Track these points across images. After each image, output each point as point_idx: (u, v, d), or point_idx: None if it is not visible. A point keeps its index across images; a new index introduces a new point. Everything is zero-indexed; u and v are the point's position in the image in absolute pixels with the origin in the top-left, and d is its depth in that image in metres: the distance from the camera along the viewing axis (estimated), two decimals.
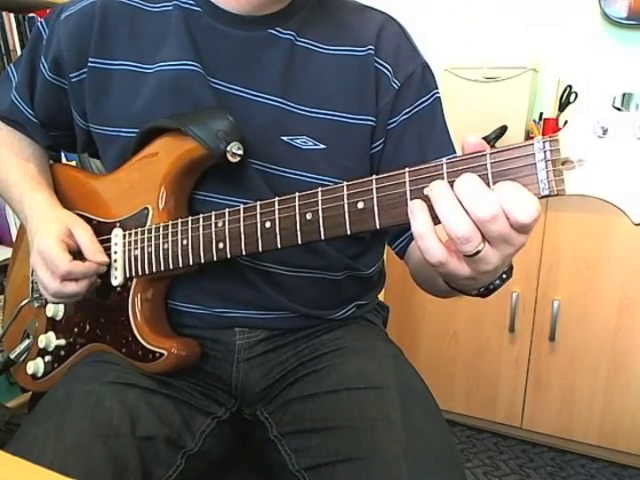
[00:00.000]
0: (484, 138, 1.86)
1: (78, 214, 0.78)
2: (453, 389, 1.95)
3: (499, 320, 1.84)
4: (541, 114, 2.03)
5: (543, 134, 1.95)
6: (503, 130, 1.90)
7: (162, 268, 0.70)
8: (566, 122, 1.98)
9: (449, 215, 0.47)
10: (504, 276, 0.59)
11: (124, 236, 0.75)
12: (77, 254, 0.72)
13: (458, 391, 1.95)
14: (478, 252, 0.48)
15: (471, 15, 2.17)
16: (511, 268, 0.60)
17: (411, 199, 0.51)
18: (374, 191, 0.54)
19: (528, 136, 1.98)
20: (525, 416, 1.86)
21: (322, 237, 0.58)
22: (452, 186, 0.48)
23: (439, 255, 0.49)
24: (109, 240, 0.75)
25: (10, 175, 0.83)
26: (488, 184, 0.48)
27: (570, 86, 2.00)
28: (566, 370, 1.78)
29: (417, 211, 0.49)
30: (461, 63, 2.01)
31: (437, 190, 0.49)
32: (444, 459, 0.63)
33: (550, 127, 1.96)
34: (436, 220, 0.49)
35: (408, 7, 2.18)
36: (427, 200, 0.50)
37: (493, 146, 1.87)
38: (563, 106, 2.00)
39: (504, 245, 0.49)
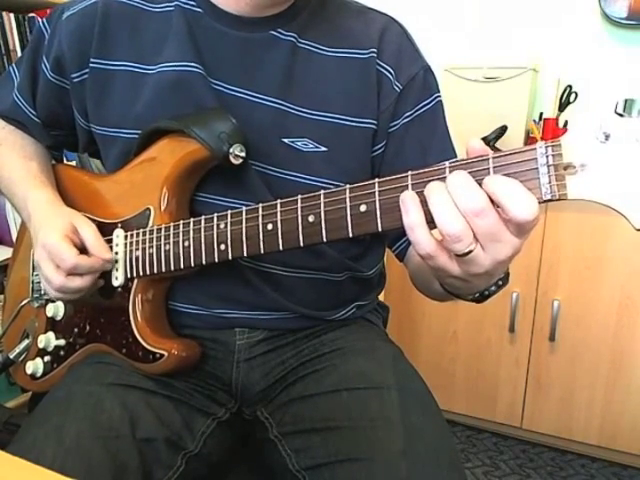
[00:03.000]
0: (484, 138, 1.86)
1: None
2: (453, 389, 1.96)
3: (499, 320, 1.84)
4: (541, 114, 2.03)
5: (543, 134, 1.95)
6: (503, 130, 1.90)
7: (163, 269, 0.70)
8: (566, 122, 1.98)
9: (442, 212, 0.48)
10: (500, 282, 0.59)
11: (125, 237, 0.75)
12: (81, 251, 0.72)
13: (458, 391, 1.95)
14: (469, 252, 0.49)
15: (471, 15, 2.17)
16: (507, 275, 0.60)
17: None
18: (377, 194, 0.54)
19: (528, 136, 1.98)
20: (525, 416, 1.86)
21: (324, 239, 0.58)
22: None
23: (428, 247, 0.50)
24: (111, 241, 0.75)
25: (13, 173, 0.83)
26: None
27: (570, 86, 2.00)
28: (566, 370, 1.78)
29: (409, 203, 0.50)
30: (461, 63, 2.00)
31: (432, 189, 0.49)
32: (444, 459, 0.63)
33: (550, 127, 1.96)
34: (432, 225, 0.49)
35: (408, 7, 2.18)
36: (426, 212, 0.50)
37: (493, 146, 1.87)
38: (563, 106, 2.00)
39: (494, 245, 0.49)
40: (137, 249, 0.73)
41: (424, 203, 0.50)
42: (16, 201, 0.83)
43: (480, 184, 0.48)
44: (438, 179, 0.50)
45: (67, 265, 0.70)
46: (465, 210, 0.47)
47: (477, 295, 0.61)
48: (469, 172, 0.49)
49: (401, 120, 0.77)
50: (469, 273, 0.51)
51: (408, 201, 0.50)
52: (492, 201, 0.47)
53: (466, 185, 0.48)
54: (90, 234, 0.73)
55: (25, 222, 0.82)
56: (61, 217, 0.75)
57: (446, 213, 0.48)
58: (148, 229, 0.72)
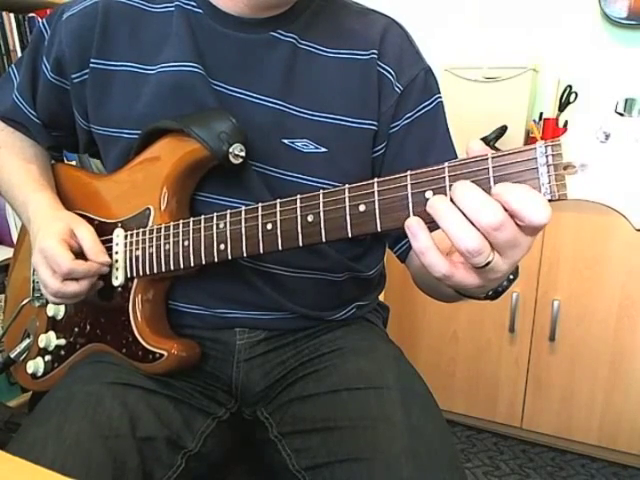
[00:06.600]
0: (484, 138, 1.86)
1: (79, 214, 0.78)
2: (453, 389, 1.96)
3: (499, 320, 1.84)
4: (541, 114, 2.03)
5: (543, 134, 1.95)
6: (503, 130, 1.90)
7: (163, 269, 0.70)
8: (566, 122, 1.98)
9: (457, 230, 0.47)
10: (511, 277, 0.59)
11: (125, 236, 0.75)
12: (79, 254, 0.72)
13: (458, 391, 1.95)
14: (489, 263, 0.48)
15: (471, 15, 2.17)
16: (517, 268, 0.60)
17: (413, 202, 0.51)
18: (376, 194, 0.54)
19: (528, 136, 1.98)
20: (525, 416, 1.86)
21: (323, 239, 0.58)
22: (451, 194, 0.48)
23: (443, 269, 0.49)
24: (110, 240, 0.75)
25: (12, 176, 0.83)
26: (490, 188, 0.47)
27: (570, 86, 2.00)
28: (566, 370, 1.78)
29: (415, 229, 0.49)
30: (461, 63, 2.01)
31: (438, 206, 0.48)
32: (444, 459, 0.63)
33: (550, 127, 1.96)
34: (432, 226, 0.49)
35: (408, 7, 2.18)
36: (425, 213, 0.49)
37: (493, 146, 1.87)
38: (563, 106, 2.00)
39: (512, 251, 0.48)
40: (137, 249, 0.73)
41: (423, 204, 0.50)
42: (16, 205, 0.83)
43: (482, 187, 0.47)
44: (438, 179, 0.50)
45: (62, 270, 0.69)
46: (483, 226, 0.46)
47: (490, 293, 0.60)
48: (467, 172, 0.49)
49: (402, 121, 0.77)
50: (488, 280, 0.51)
51: (414, 226, 0.49)
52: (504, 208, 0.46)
53: (480, 200, 0.46)
54: (87, 237, 0.73)
55: (25, 225, 0.82)
56: (59, 221, 0.74)
57: (462, 230, 0.46)
58: (148, 229, 0.72)
